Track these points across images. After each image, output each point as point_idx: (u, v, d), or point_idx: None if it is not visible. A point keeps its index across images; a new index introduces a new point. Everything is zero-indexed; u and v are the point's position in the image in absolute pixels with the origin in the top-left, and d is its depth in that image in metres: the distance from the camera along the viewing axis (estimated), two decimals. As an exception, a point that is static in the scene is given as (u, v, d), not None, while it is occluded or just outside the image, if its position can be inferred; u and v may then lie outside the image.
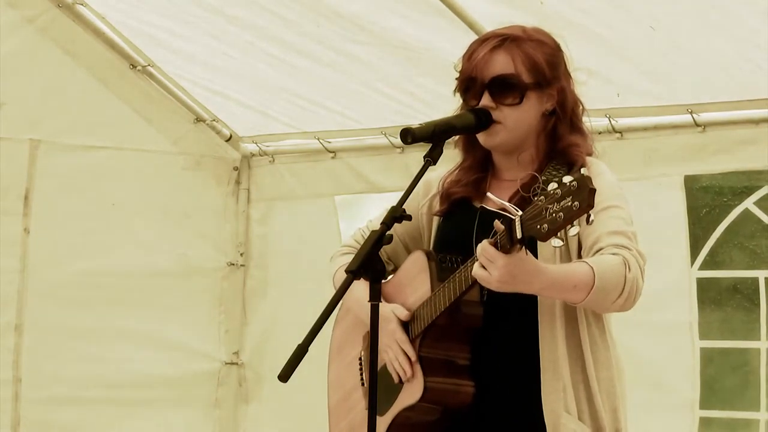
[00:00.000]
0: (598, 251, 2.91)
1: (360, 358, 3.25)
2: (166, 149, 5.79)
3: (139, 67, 5.61)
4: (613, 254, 2.87)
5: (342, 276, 3.01)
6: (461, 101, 3.12)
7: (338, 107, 5.45)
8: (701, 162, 4.70)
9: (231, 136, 5.89)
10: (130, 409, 5.65)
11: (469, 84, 3.07)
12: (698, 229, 4.78)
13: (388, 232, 2.87)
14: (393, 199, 2.94)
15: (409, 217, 2.90)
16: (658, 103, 4.69)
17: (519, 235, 2.65)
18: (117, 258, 5.66)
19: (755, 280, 4.69)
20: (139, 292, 5.68)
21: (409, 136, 2.95)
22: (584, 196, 2.53)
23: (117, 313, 5.62)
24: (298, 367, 2.74)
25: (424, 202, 3.24)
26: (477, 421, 3.02)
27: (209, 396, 5.84)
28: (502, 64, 3.04)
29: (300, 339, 2.76)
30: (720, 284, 4.87)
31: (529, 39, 3.07)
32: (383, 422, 3.05)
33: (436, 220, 3.21)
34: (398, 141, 3.39)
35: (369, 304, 2.84)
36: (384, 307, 3.02)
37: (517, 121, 3.04)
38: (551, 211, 2.57)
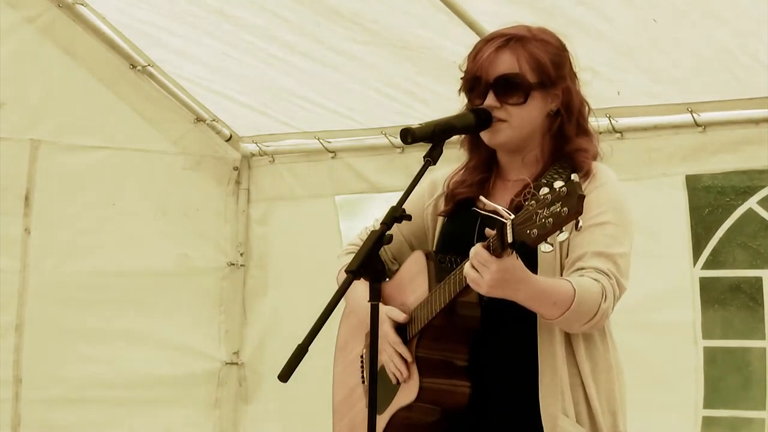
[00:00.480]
0: (579, 269, 2.92)
1: (362, 357, 3.26)
2: (166, 149, 5.79)
3: (139, 67, 5.61)
4: (595, 279, 2.89)
5: (343, 276, 3.00)
6: (466, 101, 3.12)
7: (338, 107, 5.45)
8: (702, 162, 4.70)
9: (231, 136, 5.89)
10: (130, 409, 5.65)
11: (473, 84, 3.07)
12: (700, 228, 4.78)
13: (389, 232, 2.87)
14: (396, 199, 2.93)
15: (408, 217, 2.89)
16: (658, 102, 4.67)
17: (510, 239, 2.65)
18: (117, 258, 5.65)
19: (759, 280, 4.69)
20: (139, 292, 5.68)
21: (409, 136, 2.95)
22: (573, 202, 2.53)
23: (117, 313, 5.62)
24: (298, 367, 2.74)
25: (429, 203, 3.24)
26: (476, 423, 3.01)
27: (209, 396, 5.84)
28: (506, 63, 3.04)
29: (300, 339, 2.76)
30: (723, 284, 4.87)
31: (534, 39, 3.07)
32: (381, 421, 3.05)
33: (440, 220, 3.21)
34: (398, 141, 3.39)
35: (367, 303, 2.85)
36: (380, 309, 3.01)
37: (521, 121, 3.04)
38: (541, 216, 2.57)
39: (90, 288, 5.59)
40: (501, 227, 2.68)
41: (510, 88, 3.03)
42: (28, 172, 5.48)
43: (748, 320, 4.87)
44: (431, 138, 2.97)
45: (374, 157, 5.56)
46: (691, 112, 4.62)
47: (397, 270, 3.24)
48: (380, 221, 2.90)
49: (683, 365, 4.69)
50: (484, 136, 3.08)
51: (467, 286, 2.85)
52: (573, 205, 2.52)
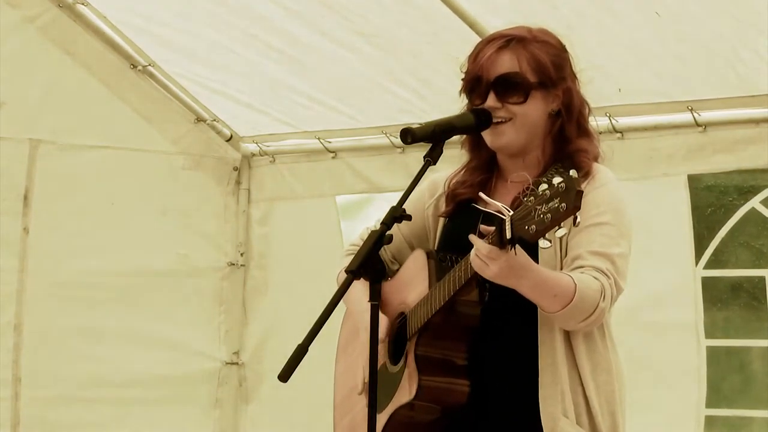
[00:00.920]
0: (578, 268, 2.92)
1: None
2: (166, 149, 5.78)
3: (139, 67, 5.61)
4: (594, 278, 2.89)
5: (344, 276, 3.00)
6: (467, 102, 3.11)
7: (339, 106, 5.44)
8: (703, 161, 4.70)
9: (231, 136, 5.89)
10: (130, 409, 5.65)
11: (474, 84, 3.07)
12: (703, 228, 4.78)
13: (389, 232, 2.87)
14: (396, 199, 2.92)
15: (409, 217, 2.89)
16: (659, 99, 4.67)
17: (509, 235, 2.65)
18: (117, 258, 5.65)
19: (761, 279, 4.69)
20: (139, 292, 5.67)
21: (409, 136, 2.95)
22: (571, 197, 2.52)
23: (117, 313, 5.62)
24: (298, 367, 2.73)
25: (430, 203, 3.24)
26: (475, 422, 3.01)
27: (209, 396, 5.83)
28: (507, 63, 3.04)
29: (300, 339, 2.75)
30: (725, 283, 4.87)
31: (534, 40, 3.07)
32: (381, 419, 3.05)
33: (441, 220, 3.21)
34: (399, 141, 3.38)
35: (366, 304, 2.85)
36: (364, 322, 3.00)
37: (524, 118, 3.04)
38: (539, 212, 2.57)
39: (89, 288, 5.58)
40: (500, 223, 2.68)
41: (510, 87, 3.03)
42: (27, 171, 5.47)
43: (750, 320, 4.87)
44: (431, 138, 2.97)
45: (375, 157, 5.56)
46: (691, 110, 4.61)
47: (397, 270, 3.25)
48: (380, 221, 2.90)
49: (685, 365, 4.69)
50: (487, 138, 3.08)
51: (466, 283, 2.85)
52: (571, 200, 2.52)
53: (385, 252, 3.22)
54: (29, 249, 5.47)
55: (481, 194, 2.84)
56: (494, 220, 2.71)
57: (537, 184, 2.61)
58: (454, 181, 3.19)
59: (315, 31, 4.97)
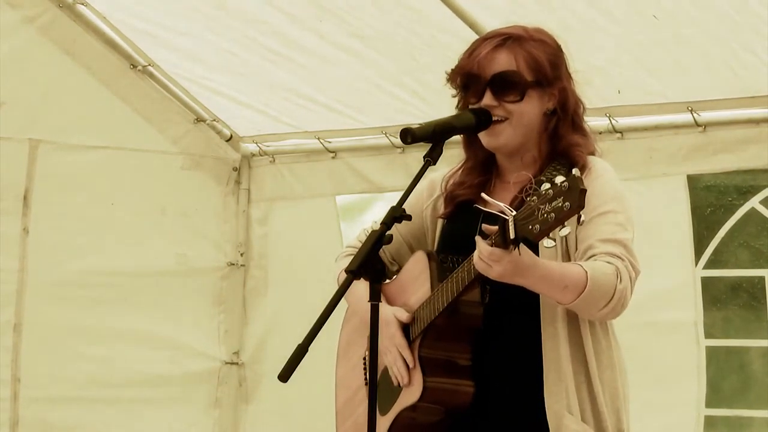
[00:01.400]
0: (590, 257, 2.91)
1: (365, 359, 3.25)
2: (166, 149, 5.78)
3: (139, 67, 5.61)
4: (607, 263, 2.88)
5: (344, 277, 2.99)
6: (458, 97, 3.11)
7: (339, 106, 5.44)
8: (703, 161, 4.70)
9: (231, 136, 5.88)
10: (130, 409, 5.65)
11: (469, 81, 3.07)
12: (702, 228, 4.78)
13: (388, 232, 2.86)
14: (396, 199, 2.92)
15: (408, 217, 2.89)
16: (658, 101, 4.67)
17: (512, 235, 2.64)
18: (117, 258, 5.65)
19: (761, 279, 4.69)
20: (139, 292, 5.67)
21: (408, 136, 2.95)
22: (575, 196, 2.52)
23: (117, 313, 5.62)
24: (298, 367, 2.73)
25: (428, 204, 3.24)
26: (480, 422, 3.01)
27: (209, 396, 5.83)
28: (504, 62, 3.04)
29: (300, 339, 2.75)
30: (725, 283, 4.87)
31: (530, 39, 3.07)
32: (385, 421, 3.05)
33: (440, 222, 3.21)
34: (399, 141, 3.38)
35: (368, 304, 2.84)
36: (385, 309, 3.02)
37: (520, 117, 3.03)
38: (543, 211, 2.57)
39: (89, 287, 5.58)
40: (503, 223, 2.67)
41: (507, 85, 3.03)
42: (27, 171, 5.47)
43: (750, 320, 4.87)
44: (431, 138, 2.97)
45: (375, 157, 5.56)
46: (691, 111, 4.62)
47: (397, 271, 3.25)
48: (380, 221, 2.89)
49: (685, 365, 4.69)
50: (484, 139, 3.07)
51: (469, 284, 2.85)
52: (575, 199, 2.52)
53: (384, 253, 3.20)
54: (29, 249, 5.47)
55: (484, 195, 2.83)
56: (497, 220, 2.70)
57: (539, 183, 2.61)
58: (452, 182, 3.19)
59: (314, 34, 4.97)
